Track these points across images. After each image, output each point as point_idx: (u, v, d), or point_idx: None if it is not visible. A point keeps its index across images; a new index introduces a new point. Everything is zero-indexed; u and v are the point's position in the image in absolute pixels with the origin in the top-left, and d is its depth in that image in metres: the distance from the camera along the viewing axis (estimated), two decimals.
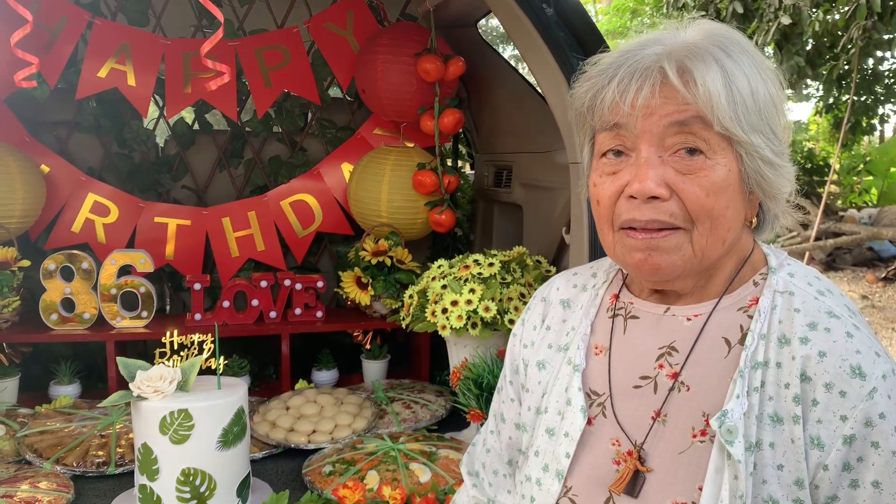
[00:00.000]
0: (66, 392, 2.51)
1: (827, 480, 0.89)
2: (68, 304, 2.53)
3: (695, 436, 0.95)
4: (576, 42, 1.95)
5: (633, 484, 0.97)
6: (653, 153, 0.93)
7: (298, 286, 2.69)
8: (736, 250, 1.01)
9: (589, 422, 1.04)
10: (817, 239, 9.12)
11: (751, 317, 0.97)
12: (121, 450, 2.05)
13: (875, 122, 9.89)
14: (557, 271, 2.35)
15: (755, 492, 0.89)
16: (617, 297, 1.11)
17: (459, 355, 2.19)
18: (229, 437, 1.74)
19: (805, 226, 9.64)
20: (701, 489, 0.91)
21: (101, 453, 2.03)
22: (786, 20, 7.34)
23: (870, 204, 11.75)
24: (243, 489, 1.80)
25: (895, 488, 0.87)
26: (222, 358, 1.84)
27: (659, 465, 0.97)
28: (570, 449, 1.04)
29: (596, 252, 1.81)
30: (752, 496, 0.88)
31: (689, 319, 1.01)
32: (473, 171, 3.32)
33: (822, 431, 0.89)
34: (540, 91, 2.35)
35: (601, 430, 1.04)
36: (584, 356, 1.09)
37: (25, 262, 2.49)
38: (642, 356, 1.03)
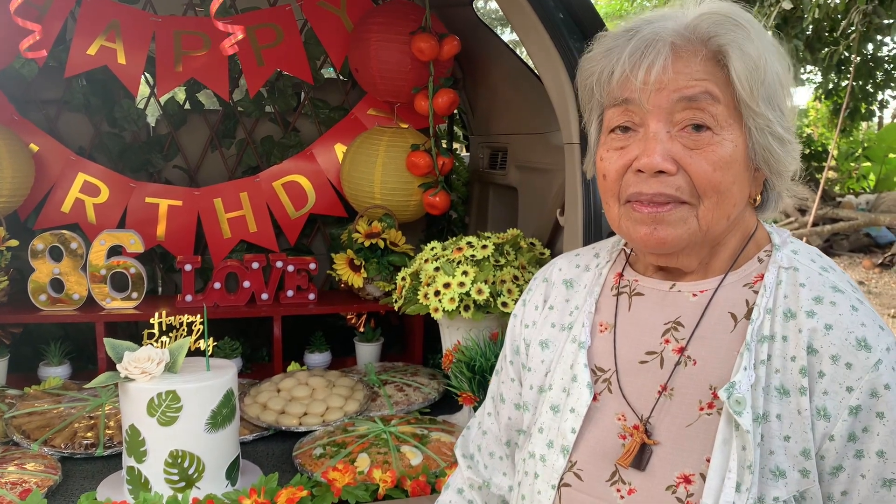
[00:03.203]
0: (55, 373, 2.49)
1: (833, 451, 0.90)
2: (57, 284, 2.51)
3: (702, 409, 0.96)
4: (573, 23, 1.92)
5: (640, 457, 0.97)
6: (661, 128, 0.94)
7: (291, 268, 2.67)
8: (739, 227, 1.02)
9: (594, 398, 1.04)
10: (815, 224, 9.12)
11: (756, 292, 0.98)
12: (109, 431, 2.03)
13: (874, 107, 9.87)
14: (552, 253, 2.33)
15: (762, 462, 0.90)
16: (621, 275, 1.11)
17: (452, 338, 2.17)
18: (218, 420, 1.72)
19: (803, 211, 9.63)
20: (709, 461, 0.92)
21: (89, 435, 2.01)
22: (787, 4, 7.27)
23: (867, 190, 11.76)
24: (232, 471, 1.79)
25: None
26: (213, 340, 1.82)
27: (665, 438, 0.97)
28: (577, 424, 1.03)
29: (590, 234, 1.79)
30: (759, 466, 0.89)
31: (694, 295, 1.02)
32: (468, 153, 3.29)
33: (829, 402, 0.90)
34: (536, 72, 2.32)
35: (606, 405, 1.04)
36: (589, 333, 1.09)
37: (14, 242, 2.46)
38: (648, 332, 1.04)
